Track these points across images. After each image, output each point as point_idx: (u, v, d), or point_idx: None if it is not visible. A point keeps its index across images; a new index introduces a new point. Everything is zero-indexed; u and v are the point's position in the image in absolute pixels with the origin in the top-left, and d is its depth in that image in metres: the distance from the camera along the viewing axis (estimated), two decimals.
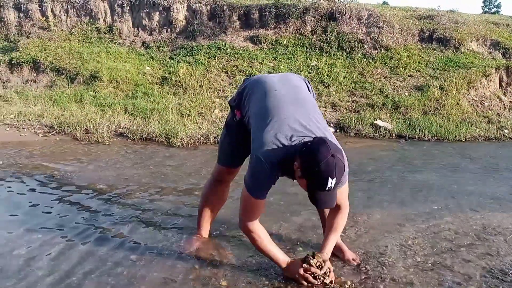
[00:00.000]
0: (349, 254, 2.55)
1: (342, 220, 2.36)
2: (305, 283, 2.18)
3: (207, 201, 2.72)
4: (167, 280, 2.29)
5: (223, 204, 2.82)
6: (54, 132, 6.08)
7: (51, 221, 3.06)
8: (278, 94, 2.24)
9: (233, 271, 2.40)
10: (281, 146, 2.05)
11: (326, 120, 4.97)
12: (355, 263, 2.49)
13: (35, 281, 2.24)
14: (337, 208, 2.30)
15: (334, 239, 2.36)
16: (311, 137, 2.04)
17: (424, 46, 10.39)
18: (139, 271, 2.38)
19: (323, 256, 2.25)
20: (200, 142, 5.98)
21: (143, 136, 6.02)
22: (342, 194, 2.27)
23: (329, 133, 2.19)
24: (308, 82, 2.52)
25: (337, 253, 2.55)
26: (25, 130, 6.09)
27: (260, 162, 2.06)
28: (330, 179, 1.86)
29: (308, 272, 2.17)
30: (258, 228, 2.22)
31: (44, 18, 10.39)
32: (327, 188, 1.88)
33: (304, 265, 2.18)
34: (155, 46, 10.00)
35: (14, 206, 3.37)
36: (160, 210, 3.33)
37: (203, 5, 10.60)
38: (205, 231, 2.78)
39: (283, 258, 2.24)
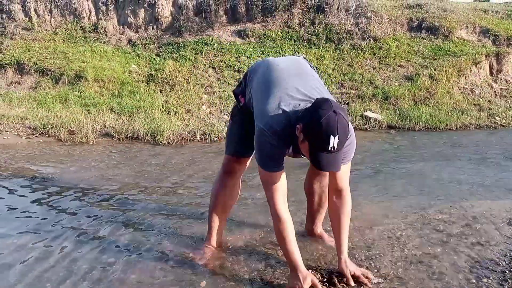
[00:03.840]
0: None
1: (347, 209, 2.23)
2: None
3: (217, 199, 2.50)
4: (145, 283, 2.19)
5: (235, 201, 2.60)
6: (38, 134, 5.94)
7: (28, 225, 2.96)
8: (279, 68, 2.20)
9: (214, 273, 2.31)
10: (283, 114, 1.98)
11: None
12: None
13: None
14: (338, 194, 2.21)
15: (346, 237, 2.24)
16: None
17: (413, 35, 10.29)
18: (116, 274, 2.28)
19: (347, 268, 2.17)
20: (187, 139, 5.87)
21: (129, 135, 5.89)
22: (343, 177, 2.17)
23: (332, 98, 2.06)
24: (310, 62, 2.46)
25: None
26: (8, 133, 5.94)
27: (262, 133, 2.00)
28: (332, 137, 1.75)
29: None
30: (286, 219, 2.04)
31: (27, 19, 10.19)
32: (329, 148, 1.77)
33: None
34: (141, 44, 9.83)
35: None
36: (141, 210, 3.22)
37: (189, 0, 10.44)
38: (215, 240, 2.55)
39: (302, 267, 2.05)
